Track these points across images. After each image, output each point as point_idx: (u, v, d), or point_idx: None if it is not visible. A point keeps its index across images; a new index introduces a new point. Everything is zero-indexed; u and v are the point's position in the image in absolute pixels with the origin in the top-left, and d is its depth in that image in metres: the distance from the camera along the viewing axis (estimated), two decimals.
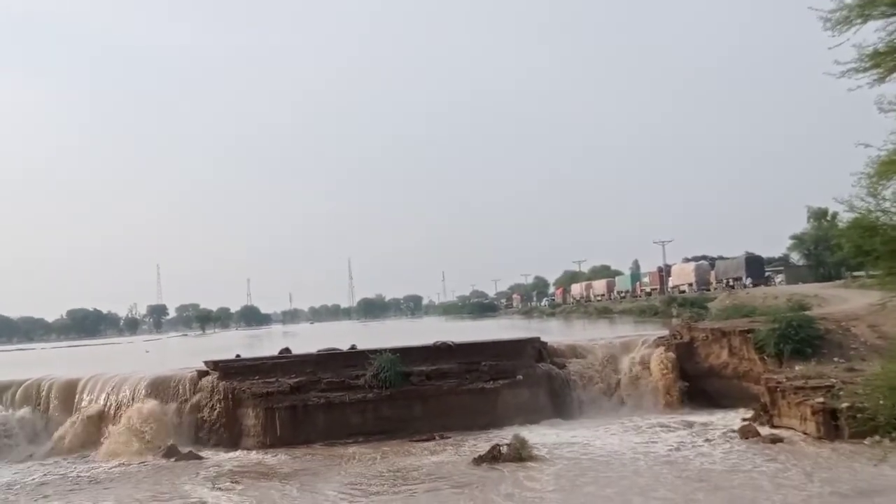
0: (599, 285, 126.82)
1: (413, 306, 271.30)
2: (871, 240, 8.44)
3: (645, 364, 33.88)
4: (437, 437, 29.15)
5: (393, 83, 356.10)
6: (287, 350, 36.00)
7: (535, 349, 34.62)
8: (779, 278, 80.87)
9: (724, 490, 19.79)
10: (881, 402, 9.05)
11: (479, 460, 24.49)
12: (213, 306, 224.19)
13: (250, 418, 30.66)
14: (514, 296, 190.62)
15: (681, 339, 34.80)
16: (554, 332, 55.01)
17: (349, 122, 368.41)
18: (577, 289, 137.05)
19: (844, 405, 23.01)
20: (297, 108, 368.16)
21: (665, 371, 33.15)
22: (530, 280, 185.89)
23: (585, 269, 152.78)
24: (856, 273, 51.84)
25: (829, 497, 18.41)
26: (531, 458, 24.28)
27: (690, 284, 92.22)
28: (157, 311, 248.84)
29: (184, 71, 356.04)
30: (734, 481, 20.58)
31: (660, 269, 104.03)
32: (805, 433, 24.67)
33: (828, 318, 32.93)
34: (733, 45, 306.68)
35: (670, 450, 24.92)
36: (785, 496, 18.82)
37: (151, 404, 30.95)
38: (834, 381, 25.30)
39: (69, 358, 68.42)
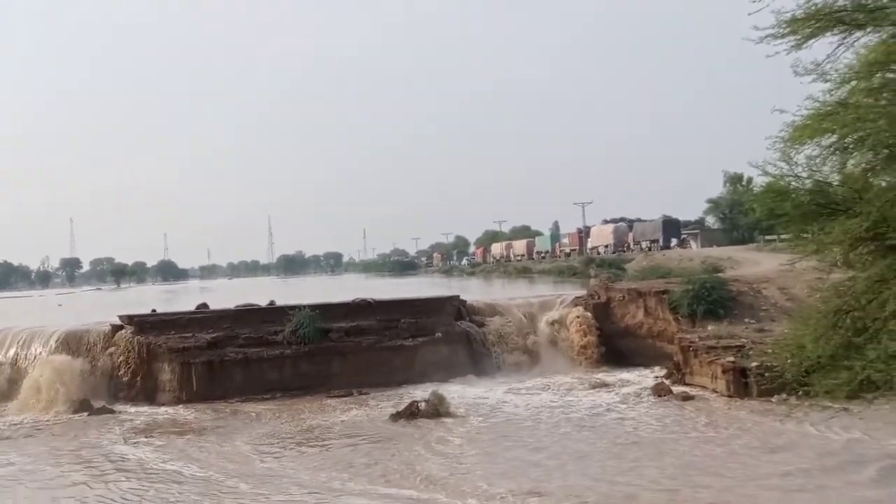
0: (520, 245, 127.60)
1: (333, 263, 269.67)
2: (782, 204, 8.62)
3: (563, 323, 34.37)
4: (355, 394, 29.22)
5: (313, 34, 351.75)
6: (204, 305, 35.55)
7: (454, 307, 34.82)
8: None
9: (636, 446, 20.22)
10: (788, 360, 9.30)
11: (396, 416, 24.63)
12: (128, 261, 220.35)
13: (166, 373, 30.31)
14: (435, 255, 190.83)
15: (598, 299, 35.35)
16: (473, 291, 55.33)
17: (262, 71, 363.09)
18: (497, 248, 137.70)
19: (754, 364, 23.68)
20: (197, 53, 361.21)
21: (582, 330, 33.69)
22: (451, 239, 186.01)
23: (506, 229, 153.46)
24: (768, 237, 53.15)
25: (739, 452, 18.95)
26: (449, 414, 24.49)
27: (608, 246, 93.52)
28: (71, 265, 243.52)
29: None
30: (646, 438, 21.05)
31: (579, 231, 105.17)
32: (716, 391, 25.34)
33: (740, 281, 33.78)
34: (655, 11, 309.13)
35: (585, 407, 25.39)
36: (694, 451, 19.32)
37: (63, 358, 30.28)
38: (744, 341, 26.01)
39: None
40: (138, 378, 30.36)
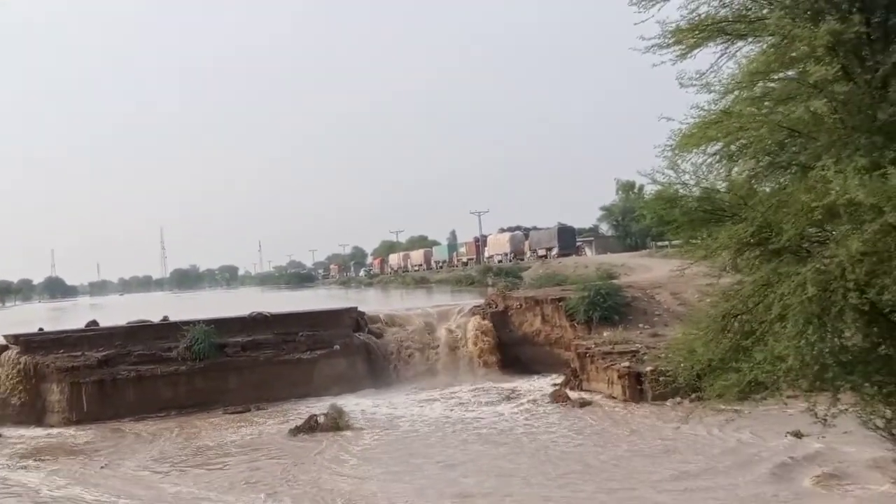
0: (417, 255, 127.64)
1: (229, 277, 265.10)
2: (671, 211, 8.79)
3: (461, 332, 34.47)
4: (252, 409, 28.79)
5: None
6: (94, 322, 34.60)
7: (352, 319, 34.62)
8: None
9: (533, 453, 20.35)
10: (681, 365, 9.46)
11: (295, 430, 24.34)
12: (13, 278, 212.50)
13: (55, 394, 29.33)
14: (332, 266, 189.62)
15: (496, 307, 35.59)
16: (372, 302, 55.13)
17: (151, 75, 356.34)
18: (395, 259, 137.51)
19: (648, 369, 24.13)
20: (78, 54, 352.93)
21: (480, 339, 33.85)
22: (348, 250, 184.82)
23: (403, 239, 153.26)
24: (660, 243, 54.31)
25: (634, 457, 19.24)
26: (348, 427, 24.32)
27: (506, 254, 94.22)
28: None
29: None
30: (544, 444, 21.22)
31: (476, 240, 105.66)
32: (612, 396, 25.73)
33: (634, 286, 34.42)
34: (547, 21, 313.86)
35: (483, 416, 25.49)
36: (591, 457, 19.55)
37: None
38: (639, 346, 26.51)
39: None
40: (25, 399, 29.30)
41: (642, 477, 17.40)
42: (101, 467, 21.85)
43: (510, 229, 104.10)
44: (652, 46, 8.49)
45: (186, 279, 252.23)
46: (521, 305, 34.99)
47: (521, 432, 22.89)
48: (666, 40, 8.42)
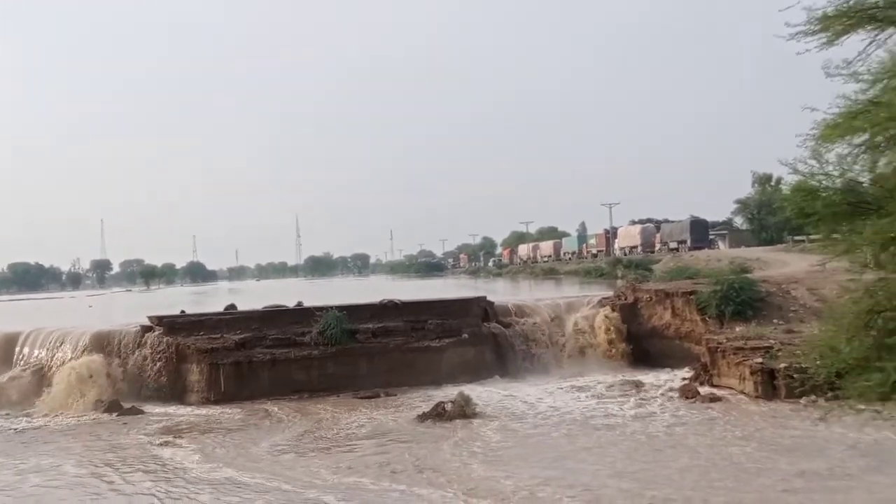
0: (546, 246, 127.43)
1: (361, 265, 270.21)
2: (812, 203, 8.53)
3: (590, 324, 34.23)
4: (381, 395, 29.21)
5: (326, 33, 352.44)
6: (233, 306, 35.79)
7: (480, 308, 34.74)
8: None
9: (666, 448, 20.10)
10: (818, 362, 9.20)
11: (423, 417, 24.62)
12: (158, 262, 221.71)
13: (194, 374, 30.46)
14: (462, 256, 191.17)
15: (625, 299, 35.20)
16: (500, 292, 55.22)
17: (293, 74, 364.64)
18: (524, 249, 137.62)
19: (782, 365, 23.47)
20: (227, 58, 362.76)
21: (609, 331, 33.55)
22: (478, 240, 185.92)
23: (533, 230, 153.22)
24: (797, 237, 52.73)
25: (767, 454, 18.80)
26: (475, 415, 24.45)
27: (636, 247, 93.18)
28: (101, 266, 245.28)
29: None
30: (676, 440, 20.92)
31: (606, 232, 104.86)
32: (743, 392, 25.13)
33: (769, 281, 33.52)
34: (684, 6, 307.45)
35: (613, 409, 25.23)
36: (724, 455, 19.18)
37: (94, 359, 30.52)
38: (773, 342, 25.77)
39: (9, 312, 67.13)
40: (167, 378, 30.59)
41: (773, 475, 17.02)
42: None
43: (641, 221, 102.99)
44: (797, 34, 8.25)
45: (320, 266, 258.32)
46: (650, 298, 34.50)
47: (649, 426, 22.61)
48: (812, 27, 8.17)
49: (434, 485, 17.66)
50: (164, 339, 31.13)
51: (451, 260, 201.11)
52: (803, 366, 10.79)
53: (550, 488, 16.74)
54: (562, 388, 29.15)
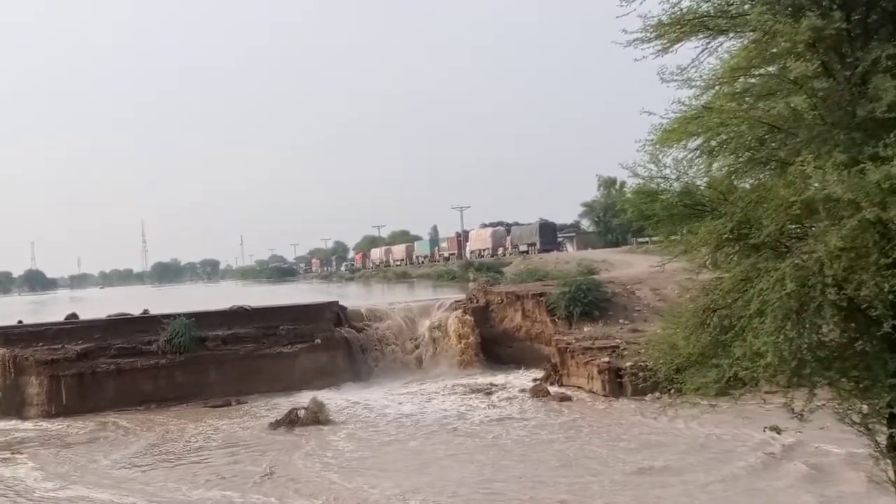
0: (399, 250, 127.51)
1: (210, 271, 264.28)
2: (652, 205, 8.77)
3: (442, 327, 34.46)
4: (233, 403, 28.74)
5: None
6: (74, 316, 34.51)
7: (333, 313, 34.57)
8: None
9: (516, 449, 20.42)
10: (661, 360, 9.46)
11: (276, 424, 24.33)
12: None
13: (34, 386, 29.21)
14: (314, 260, 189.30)
15: (477, 302, 35.60)
16: (353, 297, 55.09)
17: (145, 73, 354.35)
18: (376, 253, 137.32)
19: (628, 364, 24.17)
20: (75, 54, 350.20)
21: (462, 334, 33.84)
22: (330, 244, 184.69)
23: (385, 234, 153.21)
24: (640, 239, 54.46)
25: (616, 450, 19.33)
26: (328, 421, 24.32)
27: (487, 250, 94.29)
28: None
29: None
30: (526, 440, 21.28)
31: (458, 235, 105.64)
32: (592, 391, 25.84)
33: (614, 282, 34.50)
34: (532, 12, 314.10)
35: (461, 410, 25.54)
36: (573, 451, 19.62)
37: None
38: (619, 341, 26.58)
39: None
40: (4, 392, 29.22)
41: (615, 469, 17.54)
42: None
43: (492, 225, 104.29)
44: (634, 41, 8.48)
45: (168, 272, 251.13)
46: (502, 300, 35.01)
47: (500, 427, 22.93)
48: (648, 34, 8.40)
49: (286, 492, 17.43)
50: (1, 351, 29.66)
51: (303, 265, 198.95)
52: (647, 364, 11.10)
53: (421, 495, 16.70)
54: (414, 392, 29.32)
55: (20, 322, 33.91)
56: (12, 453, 23.18)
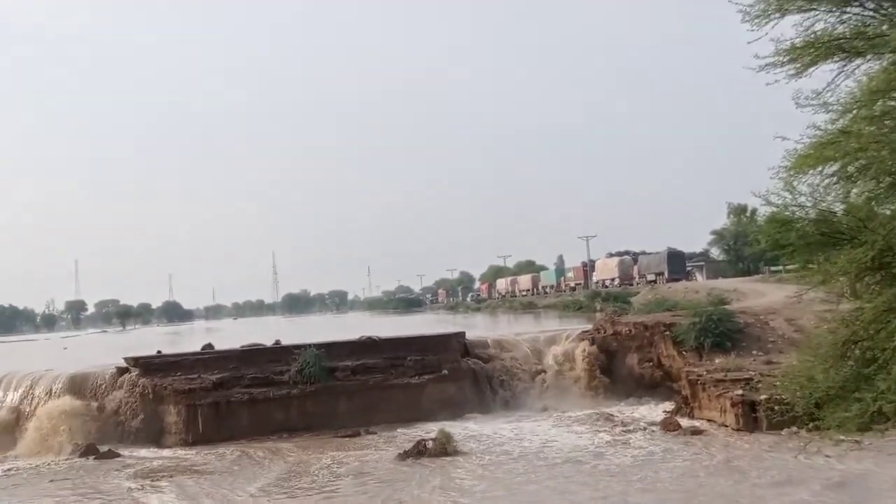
0: (524, 280, 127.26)
1: (338, 302, 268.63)
2: (787, 234, 8.53)
3: (569, 358, 34.14)
4: (362, 433, 28.98)
5: (313, 76, 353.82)
6: (210, 346, 35.51)
7: (460, 344, 34.65)
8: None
9: (651, 483, 19.98)
10: (798, 393, 9.16)
11: (404, 455, 24.42)
12: (133, 302, 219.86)
13: (172, 415, 30.14)
14: (440, 291, 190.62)
15: (604, 333, 35.15)
16: (479, 327, 55.12)
17: (270, 113, 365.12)
18: (502, 284, 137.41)
19: (763, 397, 23.47)
20: (214, 94, 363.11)
21: (588, 364, 33.46)
22: (456, 275, 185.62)
23: (510, 264, 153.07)
24: (773, 268, 52.97)
25: (753, 487, 18.72)
26: (457, 452, 24.29)
27: (614, 279, 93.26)
28: (76, 308, 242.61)
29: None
30: (659, 475, 20.79)
31: (584, 265, 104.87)
32: (724, 425, 25.10)
33: (746, 312, 33.60)
34: (656, 40, 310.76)
35: (594, 444, 25.12)
36: (708, 487, 19.09)
37: (68, 401, 30.15)
38: (752, 373, 25.79)
39: None
40: (144, 420, 30.19)
41: None
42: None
43: (618, 254, 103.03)
44: (766, 65, 8.31)
45: (297, 304, 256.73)
46: (629, 331, 34.49)
47: (631, 460, 22.49)
48: (780, 59, 8.23)
49: None
50: (141, 381, 30.78)
51: (429, 295, 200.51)
52: (783, 397, 10.74)
53: None
54: (542, 423, 29.02)
55: (159, 352, 35.04)
56: (152, 481, 23.90)
